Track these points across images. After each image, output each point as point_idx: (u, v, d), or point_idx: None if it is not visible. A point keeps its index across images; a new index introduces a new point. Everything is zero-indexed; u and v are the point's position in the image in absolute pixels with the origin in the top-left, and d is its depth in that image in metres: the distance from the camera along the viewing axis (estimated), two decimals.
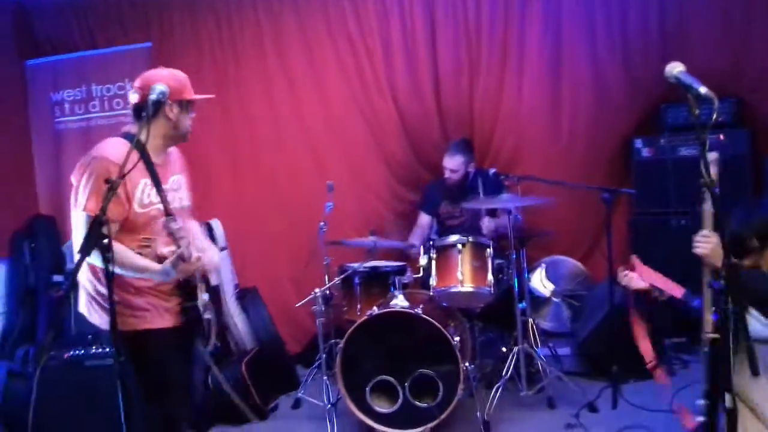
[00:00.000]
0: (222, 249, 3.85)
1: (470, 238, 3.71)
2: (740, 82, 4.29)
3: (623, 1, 4.44)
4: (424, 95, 4.71)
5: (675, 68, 2.00)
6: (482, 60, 4.63)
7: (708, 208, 2.56)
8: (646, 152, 4.30)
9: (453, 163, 4.25)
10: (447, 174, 4.28)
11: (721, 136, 4.02)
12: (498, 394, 3.54)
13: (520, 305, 3.73)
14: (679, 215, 4.08)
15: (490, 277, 3.64)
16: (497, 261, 3.77)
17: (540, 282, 4.61)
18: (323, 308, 3.66)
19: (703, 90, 1.92)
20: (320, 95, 4.81)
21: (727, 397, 2.07)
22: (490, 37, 4.60)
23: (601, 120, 4.55)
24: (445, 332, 3.37)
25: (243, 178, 4.89)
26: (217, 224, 4.49)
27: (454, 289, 3.61)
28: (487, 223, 4.06)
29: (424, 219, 4.46)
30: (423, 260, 3.78)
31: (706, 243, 2.51)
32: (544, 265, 4.65)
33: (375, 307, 3.52)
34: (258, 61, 4.84)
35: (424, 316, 3.38)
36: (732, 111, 4.14)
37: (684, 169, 3.95)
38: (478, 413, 3.48)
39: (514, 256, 3.79)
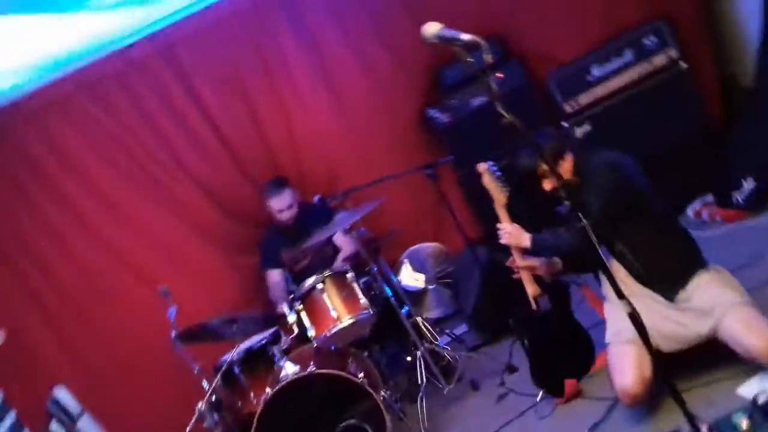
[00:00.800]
0: (78, 417, 3.33)
1: (326, 273, 3.55)
2: (494, 18, 4.36)
3: None
4: (217, 157, 4.44)
5: (431, 29, 1.96)
6: (252, 94, 4.43)
7: (499, 207, 3.01)
8: (444, 118, 4.34)
9: (284, 201, 4.06)
10: (282, 216, 4.08)
11: (499, 75, 4.14)
12: (424, 403, 3.45)
13: (403, 310, 3.63)
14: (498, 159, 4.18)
15: (363, 299, 3.50)
16: (362, 280, 3.66)
17: (410, 277, 4.56)
18: (216, 418, 3.30)
19: (465, 37, 1.89)
20: (111, 212, 4.33)
21: (623, 303, 2.08)
22: (252, 69, 4.40)
23: (388, 104, 4.52)
24: (348, 375, 3.20)
25: (69, 331, 4.25)
26: (62, 392, 3.90)
27: (335, 330, 3.41)
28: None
29: (275, 275, 4.19)
30: (291, 317, 3.55)
31: (504, 233, 2.96)
32: (406, 260, 4.61)
33: (268, 388, 3.25)
34: (36, 209, 4.26)
35: (320, 371, 3.17)
36: (496, 48, 4.24)
37: (483, 117, 4.07)
38: None
39: (375, 268, 3.69)
